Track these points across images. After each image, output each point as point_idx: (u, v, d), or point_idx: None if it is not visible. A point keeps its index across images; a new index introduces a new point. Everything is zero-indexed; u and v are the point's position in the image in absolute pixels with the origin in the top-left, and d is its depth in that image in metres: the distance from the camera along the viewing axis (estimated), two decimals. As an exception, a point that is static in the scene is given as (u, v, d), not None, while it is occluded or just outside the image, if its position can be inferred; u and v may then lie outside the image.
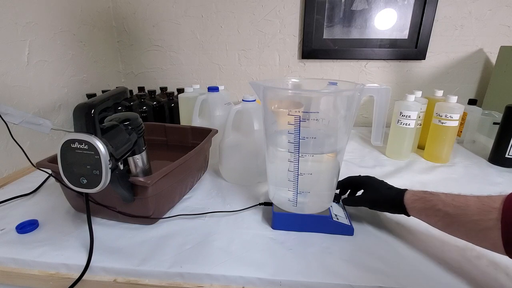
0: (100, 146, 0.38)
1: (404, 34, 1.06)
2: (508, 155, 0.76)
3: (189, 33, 1.15)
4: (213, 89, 0.77)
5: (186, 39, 1.16)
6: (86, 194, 0.47)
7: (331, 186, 0.52)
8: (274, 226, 0.52)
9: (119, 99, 0.46)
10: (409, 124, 0.77)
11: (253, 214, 0.56)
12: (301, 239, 0.49)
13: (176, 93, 1.03)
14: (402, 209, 0.47)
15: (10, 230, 0.51)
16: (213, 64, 1.19)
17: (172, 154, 0.68)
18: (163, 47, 1.18)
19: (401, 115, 0.77)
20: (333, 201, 0.55)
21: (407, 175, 0.73)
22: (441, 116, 0.76)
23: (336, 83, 0.54)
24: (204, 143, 0.63)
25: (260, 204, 0.58)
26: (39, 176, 0.68)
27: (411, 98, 0.77)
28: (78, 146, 0.38)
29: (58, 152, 0.39)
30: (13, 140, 0.62)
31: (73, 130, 0.39)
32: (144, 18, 1.14)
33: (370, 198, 0.52)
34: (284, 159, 0.48)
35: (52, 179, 0.68)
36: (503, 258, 0.35)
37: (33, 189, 0.64)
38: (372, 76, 1.14)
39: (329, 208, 0.52)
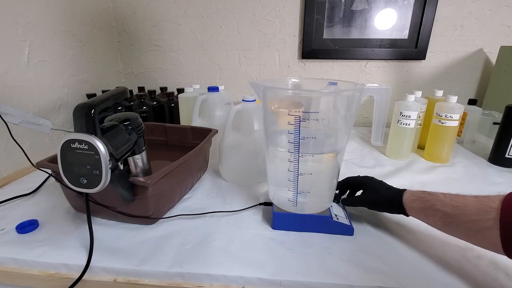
0: (100, 146, 0.38)
1: (404, 34, 1.06)
2: (508, 155, 0.76)
3: (189, 33, 1.15)
4: (213, 89, 0.77)
5: (186, 39, 1.16)
6: (86, 194, 0.47)
7: (331, 186, 0.52)
8: (274, 226, 0.52)
9: (119, 99, 0.46)
10: (409, 124, 0.77)
11: (253, 214, 0.56)
12: (301, 239, 0.49)
13: (176, 93, 1.03)
14: (401, 209, 0.47)
15: (10, 230, 0.51)
16: (213, 64, 1.19)
17: (172, 154, 0.68)
18: (163, 47, 1.18)
19: (401, 115, 0.77)
20: (333, 201, 0.55)
21: (407, 175, 0.73)
22: (441, 116, 0.76)
23: (336, 83, 0.54)
24: (204, 143, 0.63)
25: (260, 204, 0.58)
26: (39, 176, 0.68)
27: (411, 98, 0.77)
28: (78, 146, 0.38)
29: (58, 152, 0.39)
30: (13, 140, 0.62)
31: (73, 130, 0.39)
32: (144, 18, 1.14)
33: (369, 198, 0.52)
34: (284, 159, 0.48)
35: (52, 179, 0.68)
36: (503, 258, 0.35)
37: (33, 189, 0.64)
38: (372, 76, 1.14)
39: (329, 208, 0.52)
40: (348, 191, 0.58)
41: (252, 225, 0.53)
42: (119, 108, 0.88)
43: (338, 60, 1.13)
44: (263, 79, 1.18)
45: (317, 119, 0.45)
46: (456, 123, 0.76)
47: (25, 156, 0.62)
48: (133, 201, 0.49)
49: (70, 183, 0.40)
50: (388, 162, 0.81)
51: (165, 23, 1.14)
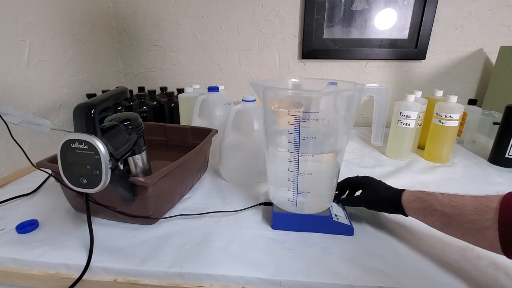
0: (100, 146, 0.38)
1: (404, 34, 1.06)
2: (508, 155, 0.76)
3: (189, 33, 1.15)
4: (213, 89, 0.77)
5: (186, 39, 1.16)
6: (86, 194, 0.47)
7: (331, 186, 0.52)
8: (274, 226, 0.52)
9: (119, 99, 0.46)
10: (409, 124, 0.77)
11: (253, 214, 0.56)
12: (301, 239, 0.49)
13: (176, 93, 1.03)
14: (399, 209, 0.47)
15: (10, 230, 0.51)
16: (213, 64, 1.19)
17: (172, 154, 0.68)
18: (163, 47, 1.18)
19: (401, 115, 0.77)
20: (333, 201, 0.55)
21: (407, 175, 0.73)
22: (441, 116, 0.76)
23: (336, 83, 0.54)
24: (204, 143, 0.63)
25: (260, 204, 0.58)
26: (39, 176, 0.68)
27: (411, 98, 0.77)
28: (78, 146, 0.38)
29: (58, 152, 0.39)
30: (13, 140, 0.62)
31: (73, 130, 0.39)
32: (144, 18, 1.14)
33: (368, 198, 0.52)
34: (284, 159, 0.48)
35: (52, 179, 0.68)
36: (503, 258, 0.35)
37: (33, 189, 0.64)
38: (372, 76, 1.14)
39: (329, 208, 0.52)
40: (348, 191, 0.58)
41: (252, 225, 0.53)
42: (119, 108, 0.88)
43: (338, 60, 1.13)
44: (263, 79, 1.18)
45: (317, 119, 0.45)
46: (456, 123, 0.76)
47: (25, 156, 0.62)
48: (133, 201, 0.49)
49: (70, 183, 0.40)
50: (388, 162, 0.81)
51: (165, 23, 1.14)
